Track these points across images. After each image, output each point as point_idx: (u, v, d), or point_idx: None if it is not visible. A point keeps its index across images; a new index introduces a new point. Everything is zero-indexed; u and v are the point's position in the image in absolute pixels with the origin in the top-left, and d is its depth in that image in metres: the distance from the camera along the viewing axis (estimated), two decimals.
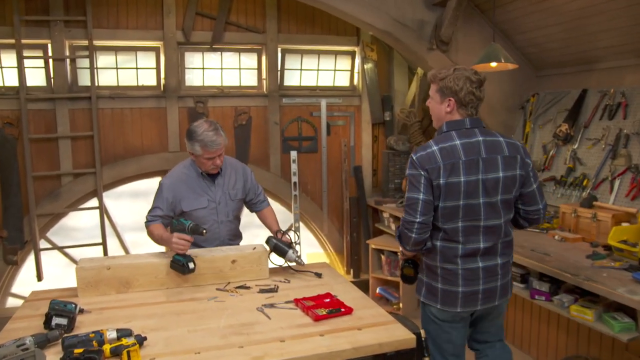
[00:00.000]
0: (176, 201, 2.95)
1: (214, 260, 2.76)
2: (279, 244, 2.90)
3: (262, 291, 2.64)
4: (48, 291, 2.76)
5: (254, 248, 2.87)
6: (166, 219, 2.95)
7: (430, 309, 2.39)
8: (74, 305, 2.30)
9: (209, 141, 2.83)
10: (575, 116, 4.03)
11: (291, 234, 3.02)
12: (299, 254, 2.91)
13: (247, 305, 2.45)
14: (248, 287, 2.69)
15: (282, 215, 5.24)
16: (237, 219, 3.24)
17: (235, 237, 3.21)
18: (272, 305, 2.43)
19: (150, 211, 2.97)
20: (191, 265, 2.60)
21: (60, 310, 2.17)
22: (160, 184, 3.00)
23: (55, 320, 2.14)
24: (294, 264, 2.90)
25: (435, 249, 2.29)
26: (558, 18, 3.88)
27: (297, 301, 2.43)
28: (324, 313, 2.27)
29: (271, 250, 2.91)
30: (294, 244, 2.98)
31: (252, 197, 3.23)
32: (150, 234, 2.92)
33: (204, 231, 2.62)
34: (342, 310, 2.32)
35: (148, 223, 2.94)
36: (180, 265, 2.59)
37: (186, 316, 2.34)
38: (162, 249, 3.16)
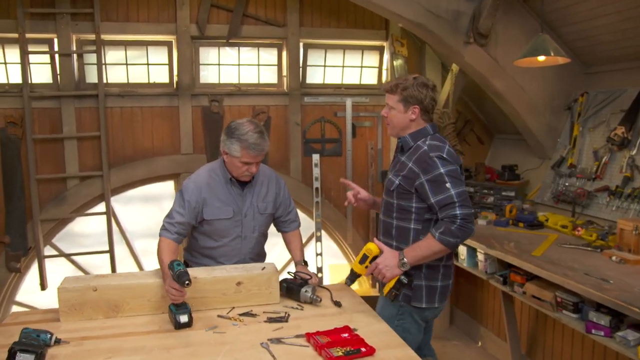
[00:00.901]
0: (199, 207, 2.58)
1: (216, 281, 2.40)
2: (290, 285, 2.53)
3: (270, 320, 2.27)
4: (29, 312, 2.48)
5: (263, 268, 2.50)
6: (186, 226, 2.58)
7: (425, 312, 2.42)
8: (49, 336, 1.98)
9: (253, 143, 2.46)
10: (633, 118, 3.54)
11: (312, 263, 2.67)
12: (314, 293, 2.48)
13: (250, 339, 2.08)
14: (254, 315, 2.33)
15: (303, 223, 4.84)
16: (264, 236, 2.86)
17: (258, 256, 2.84)
18: (279, 340, 2.05)
19: (168, 215, 2.59)
20: (183, 318, 2.18)
21: (27, 345, 1.84)
22: (184, 187, 2.62)
23: (20, 357, 1.81)
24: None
25: None
26: (614, 6, 3.40)
27: (309, 336, 2.05)
28: (340, 354, 1.89)
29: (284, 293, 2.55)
30: (315, 276, 2.62)
31: (282, 214, 2.85)
32: (158, 249, 2.51)
33: (187, 283, 2.17)
34: (363, 350, 1.93)
35: (163, 232, 2.55)
36: (173, 317, 2.21)
37: (177, 352, 1.99)
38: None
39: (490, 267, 3.48)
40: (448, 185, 2.20)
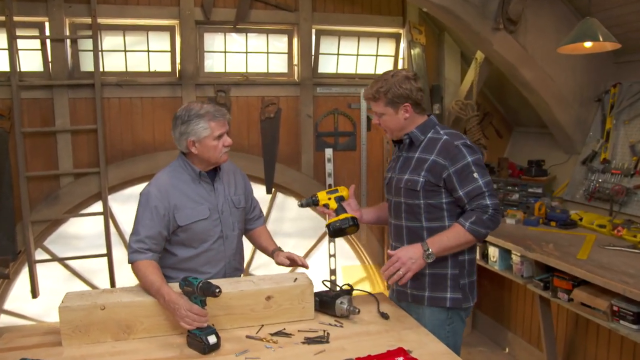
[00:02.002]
0: (169, 214, 2.23)
1: (243, 296, 2.09)
2: (324, 298, 2.24)
3: (308, 341, 1.96)
4: (26, 333, 2.11)
5: (295, 279, 2.19)
6: (159, 239, 2.21)
7: (469, 309, 2.31)
8: None
9: (214, 111, 2.23)
10: None
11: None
12: (351, 304, 2.18)
13: None
14: (288, 335, 2.02)
15: (314, 222, 4.60)
16: (242, 234, 2.56)
17: (242, 258, 2.54)
18: None
19: (133, 233, 2.20)
20: (212, 339, 1.87)
21: None
22: (144, 195, 2.25)
23: None
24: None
25: None
26: None
27: None
28: None
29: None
30: (300, 258, 2.35)
31: (248, 211, 2.56)
32: (139, 275, 2.13)
33: (218, 291, 1.89)
34: None
35: (134, 256, 2.16)
36: (198, 341, 1.88)
37: None
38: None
39: (526, 270, 3.21)
40: (475, 175, 2.10)
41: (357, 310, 2.16)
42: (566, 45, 3.05)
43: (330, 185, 4.42)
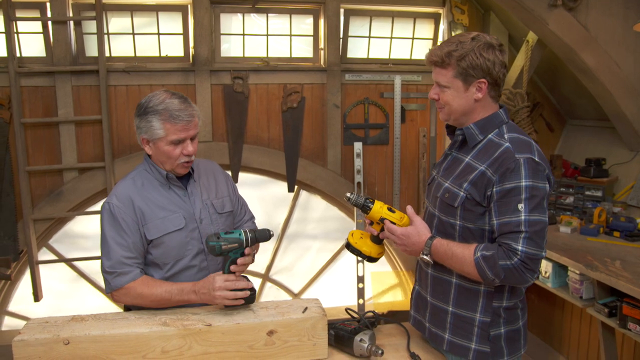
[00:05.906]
0: (139, 225, 1.87)
1: (239, 330, 1.70)
2: (340, 332, 1.82)
3: None
4: None
5: (305, 309, 1.78)
6: (138, 254, 1.86)
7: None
8: None
9: (175, 110, 1.82)
10: None
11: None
12: (373, 343, 1.78)
13: None
14: None
15: (341, 223, 4.20)
16: None
17: None
18: None
19: (105, 259, 1.84)
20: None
21: None
22: (104, 210, 1.87)
23: None
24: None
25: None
26: None
27: None
28: None
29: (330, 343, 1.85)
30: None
31: (237, 215, 2.16)
32: (142, 296, 1.81)
33: (270, 234, 1.81)
34: None
35: (118, 281, 1.81)
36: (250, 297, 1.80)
37: None
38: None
39: (586, 291, 2.74)
40: (521, 206, 1.56)
41: (380, 352, 1.74)
42: None
43: (359, 184, 3.99)
